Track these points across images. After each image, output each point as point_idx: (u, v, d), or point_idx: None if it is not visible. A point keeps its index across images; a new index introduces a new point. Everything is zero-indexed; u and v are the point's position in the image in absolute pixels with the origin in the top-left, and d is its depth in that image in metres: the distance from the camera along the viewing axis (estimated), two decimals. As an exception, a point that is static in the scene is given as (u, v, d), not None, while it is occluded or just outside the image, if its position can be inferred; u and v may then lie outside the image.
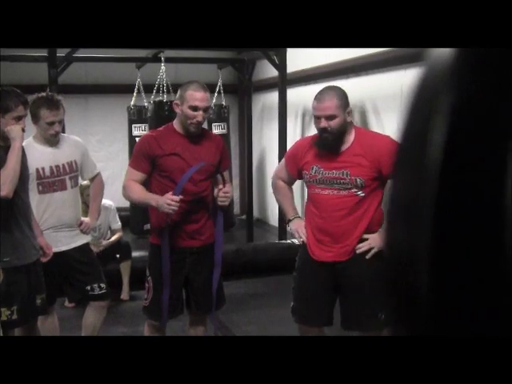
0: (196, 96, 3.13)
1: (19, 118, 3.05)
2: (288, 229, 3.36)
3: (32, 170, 3.38)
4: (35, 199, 3.44)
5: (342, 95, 2.98)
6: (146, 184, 3.27)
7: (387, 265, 0.61)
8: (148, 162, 3.19)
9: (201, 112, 3.12)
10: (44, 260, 3.30)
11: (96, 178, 3.86)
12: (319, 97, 2.97)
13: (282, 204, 3.39)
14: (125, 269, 5.41)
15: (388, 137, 3.01)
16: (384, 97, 6.18)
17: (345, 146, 2.99)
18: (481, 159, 0.49)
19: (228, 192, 3.17)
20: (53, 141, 3.57)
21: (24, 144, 3.40)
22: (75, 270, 3.69)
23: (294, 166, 3.18)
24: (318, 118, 2.96)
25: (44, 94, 3.53)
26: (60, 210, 3.57)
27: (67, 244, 3.62)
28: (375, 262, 2.92)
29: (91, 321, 3.81)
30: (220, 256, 3.32)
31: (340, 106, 2.93)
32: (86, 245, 3.78)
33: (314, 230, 3.09)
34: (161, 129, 3.34)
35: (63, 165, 3.58)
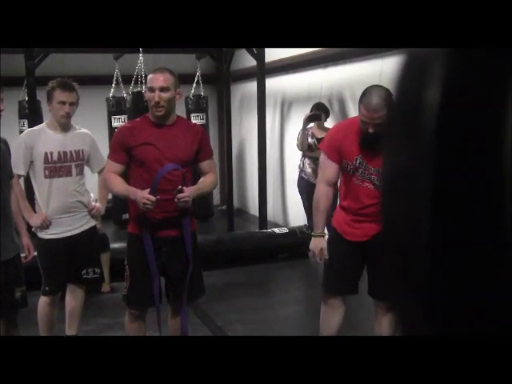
0: (152, 78, 3.19)
1: None
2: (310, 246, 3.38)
3: (40, 153, 3.55)
4: (41, 183, 3.60)
5: (389, 97, 2.96)
6: (127, 174, 3.28)
7: (384, 235, 0.59)
8: (124, 152, 3.21)
9: (157, 92, 3.13)
10: (25, 261, 3.34)
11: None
12: (368, 102, 3.00)
13: (316, 216, 3.35)
14: (104, 261, 5.36)
15: None
16: (362, 85, 6.18)
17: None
18: (479, 118, 0.48)
19: (184, 197, 3.11)
20: (64, 126, 3.70)
21: (36, 129, 3.68)
22: (76, 254, 3.77)
23: (335, 151, 3.21)
24: (366, 124, 3.00)
25: (60, 78, 3.74)
26: (64, 195, 3.66)
27: (70, 230, 3.71)
28: None
29: (73, 304, 3.91)
30: (191, 252, 3.29)
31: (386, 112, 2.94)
32: (91, 230, 3.85)
33: (348, 214, 3.25)
34: (137, 119, 3.38)
35: (70, 152, 3.70)
